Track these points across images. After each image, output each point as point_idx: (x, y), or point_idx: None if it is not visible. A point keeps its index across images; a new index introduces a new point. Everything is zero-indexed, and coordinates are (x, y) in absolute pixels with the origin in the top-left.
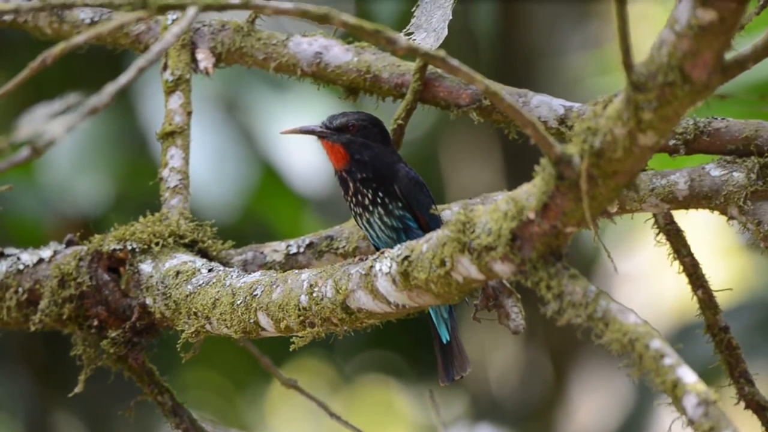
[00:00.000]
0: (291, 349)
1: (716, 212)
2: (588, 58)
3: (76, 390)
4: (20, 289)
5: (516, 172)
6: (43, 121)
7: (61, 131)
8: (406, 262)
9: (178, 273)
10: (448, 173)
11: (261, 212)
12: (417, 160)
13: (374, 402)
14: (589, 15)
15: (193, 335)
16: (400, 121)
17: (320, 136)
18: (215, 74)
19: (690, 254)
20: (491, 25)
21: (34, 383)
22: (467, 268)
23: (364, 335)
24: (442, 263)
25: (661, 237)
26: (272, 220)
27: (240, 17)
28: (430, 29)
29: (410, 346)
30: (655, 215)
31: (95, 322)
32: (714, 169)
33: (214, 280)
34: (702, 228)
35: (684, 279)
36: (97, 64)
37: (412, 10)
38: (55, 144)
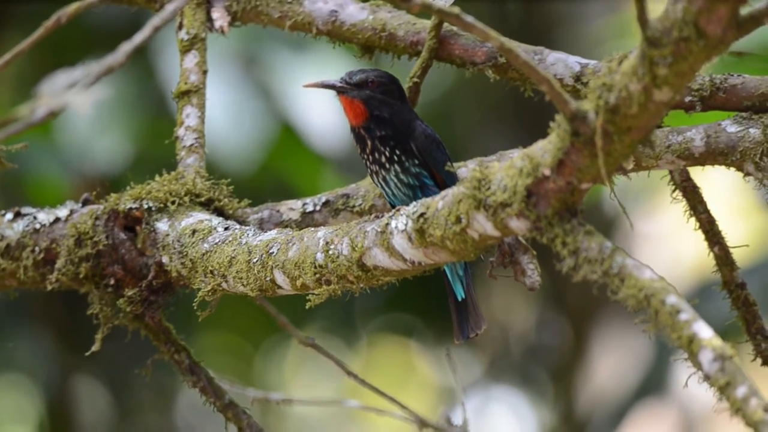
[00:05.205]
0: (307, 307)
1: (732, 169)
2: (607, 23)
3: (93, 348)
4: (37, 249)
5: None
6: (64, 90)
7: (85, 104)
8: (421, 219)
9: (194, 231)
10: (463, 135)
11: (278, 169)
12: (433, 120)
13: (393, 363)
14: None
15: (210, 293)
16: (415, 79)
17: (340, 90)
18: (234, 32)
19: (706, 211)
20: None
21: (54, 344)
22: (483, 225)
23: (382, 298)
24: (458, 220)
25: (678, 194)
26: (290, 177)
27: None
28: None
29: (429, 309)
30: (671, 172)
31: (112, 281)
32: (730, 126)
33: (231, 239)
34: (720, 187)
35: (702, 239)
36: (116, 28)
37: None
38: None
